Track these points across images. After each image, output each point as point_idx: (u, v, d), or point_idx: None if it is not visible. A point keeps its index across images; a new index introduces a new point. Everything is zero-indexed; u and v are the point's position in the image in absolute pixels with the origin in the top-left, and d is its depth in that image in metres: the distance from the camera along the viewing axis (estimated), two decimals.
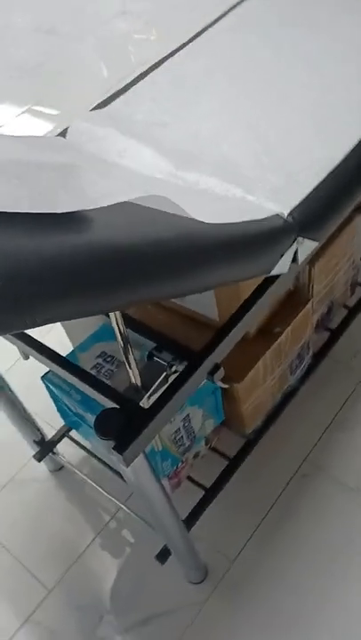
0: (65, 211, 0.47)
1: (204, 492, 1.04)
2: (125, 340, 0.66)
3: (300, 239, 0.71)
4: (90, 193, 0.51)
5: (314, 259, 1.01)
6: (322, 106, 0.88)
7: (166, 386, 0.67)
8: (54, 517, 1.20)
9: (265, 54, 1.01)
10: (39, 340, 0.75)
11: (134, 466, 0.66)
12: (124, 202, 0.52)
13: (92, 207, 0.49)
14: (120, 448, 0.62)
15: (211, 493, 1.04)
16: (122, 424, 0.63)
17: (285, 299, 1.04)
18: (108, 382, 0.74)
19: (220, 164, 0.81)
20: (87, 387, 0.69)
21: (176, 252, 0.55)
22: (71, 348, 0.99)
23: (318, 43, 1.01)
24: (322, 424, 1.21)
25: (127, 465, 0.63)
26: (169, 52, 1.10)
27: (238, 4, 1.19)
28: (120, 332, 0.65)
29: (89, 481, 1.18)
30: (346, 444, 1.18)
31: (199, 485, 1.05)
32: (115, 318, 0.64)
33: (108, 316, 0.64)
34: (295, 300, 1.05)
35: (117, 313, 0.63)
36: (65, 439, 1.20)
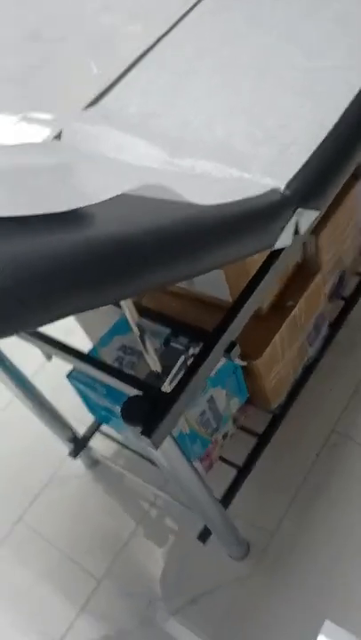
0: (64, 209, 0.49)
1: (237, 471, 1.06)
2: (141, 328, 0.68)
3: (299, 210, 0.72)
4: (86, 189, 0.52)
5: (318, 229, 1.01)
6: (307, 76, 0.88)
7: (185, 369, 0.69)
8: (96, 510, 1.23)
9: (246, 32, 1.01)
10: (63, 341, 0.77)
11: (163, 448, 0.68)
12: (121, 194, 0.54)
13: (89, 203, 0.51)
14: (147, 432, 0.64)
15: (244, 471, 1.06)
16: (147, 409, 0.65)
17: (295, 272, 1.05)
18: (131, 372, 0.76)
19: (214, 147, 0.82)
20: (108, 377, 0.71)
21: (176, 236, 0.57)
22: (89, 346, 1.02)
23: (298, 13, 1.01)
24: (346, 393, 1.22)
25: (156, 447, 0.65)
26: (159, 40, 1.11)
27: None
28: (134, 321, 0.67)
29: (125, 472, 1.21)
30: None
31: (231, 464, 1.07)
32: (127, 309, 0.66)
33: (121, 307, 0.66)
34: (305, 272, 1.05)
35: (129, 304, 0.65)
36: (97, 434, 1.23)
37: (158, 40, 1.10)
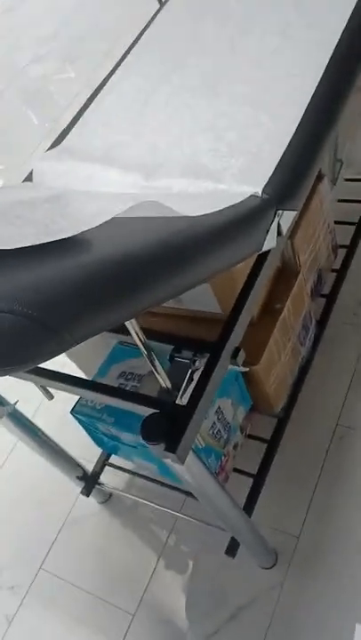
0: (68, 236, 0.50)
1: (253, 479, 1.06)
2: (148, 347, 0.69)
3: (279, 212, 0.75)
4: (84, 216, 0.54)
5: (293, 232, 1.05)
6: (258, 88, 0.92)
7: (196, 380, 0.70)
8: (116, 545, 1.21)
9: (191, 54, 1.05)
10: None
11: (187, 463, 0.69)
12: (114, 218, 0.55)
13: (89, 228, 0.53)
14: (171, 447, 0.64)
15: (259, 478, 1.06)
16: (166, 425, 0.65)
17: (277, 276, 1.08)
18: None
19: (185, 165, 0.85)
20: (123, 402, 0.72)
21: (174, 248, 0.59)
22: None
23: (235, 30, 1.06)
24: (343, 385, 1.24)
25: (182, 462, 0.66)
26: (92, 83, 1.14)
27: (151, 20, 1.24)
28: (141, 341, 0.68)
29: (140, 500, 1.19)
30: None
31: (246, 474, 1.07)
32: (133, 330, 0.67)
33: (125, 333, 0.67)
34: (286, 274, 1.08)
35: (135, 325, 0.66)
36: (106, 467, 1.22)
37: (108, 76, 1.13)
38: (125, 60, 1.15)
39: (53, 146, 1.06)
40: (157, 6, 1.34)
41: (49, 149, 1.06)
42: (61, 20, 3.06)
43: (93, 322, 0.46)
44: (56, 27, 3.02)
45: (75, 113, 1.10)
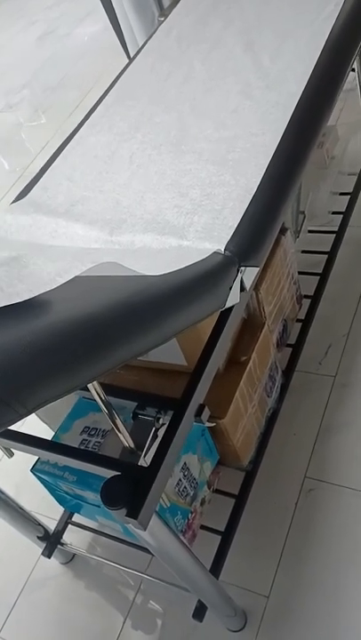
0: (25, 299, 0.49)
1: (220, 537, 1.03)
2: (109, 406, 0.68)
3: (242, 268, 0.75)
4: (43, 277, 0.53)
5: (257, 284, 1.05)
6: (220, 147, 0.94)
7: (160, 439, 0.68)
8: (80, 610, 1.15)
9: (153, 114, 1.08)
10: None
11: (151, 528, 0.66)
12: (75, 277, 0.54)
13: (48, 289, 0.52)
14: (133, 513, 0.62)
15: (227, 536, 1.03)
16: (128, 489, 0.63)
17: (243, 327, 1.08)
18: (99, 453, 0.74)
19: (148, 221, 0.85)
20: (83, 463, 0.69)
21: (134, 309, 0.58)
22: (47, 433, 0.98)
23: (198, 88, 1.09)
24: (310, 436, 1.24)
25: (144, 528, 0.63)
26: (64, 131, 1.16)
27: (119, 75, 1.27)
28: (102, 400, 0.66)
29: (104, 561, 1.15)
30: (338, 448, 1.20)
31: (214, 531, 1.04)
32: (94, 389, 0.65)
33: (87, 389, 0.65)
34: (252, 326, 1.09)
35: (95, 383, 0.65)
36: (69, 527, 1.17)
37: (76, 130, 1.14)
38: (93, 114, 1.18)
39: (20, 196, 1.06)
40: (126, 61, 1.38)
41: (15, 200, 1.05)
42: (33, 71, 3.14)
43: (48, 390, 0.45)
44: (28, 78, 3.08)
45: (44, 161, 1.11)
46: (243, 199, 0.82)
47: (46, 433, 0.95)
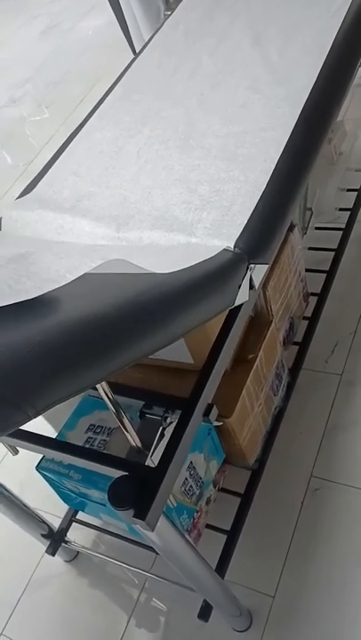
0: (31, 297, 0.48)
1: (226, 536, 1.02)
2: (116, 405, 0.67)
3: (251, 266, 0.74)
4: (51, 274, 0.52)
5: (265, 282, 1.04)
6: (229, 142, 0.93)
7: (168, 439, 0.67)
8: (84, 608, 1.15)
9: (160, 108, 1.07)
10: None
11: (158, 528, 0.65)
12: (84, 275, 0.53)
13: (56, 287, 0.51)
14: (140, 514, 0.61)
15: (233, 535, 1.02)
16: (136, 490, 0.62)
17: (249, 325, 1.07)
18: (106, 452, 0.73)
19: (156, 218, 0.84)
20: (90, 462, 0.68)
21: (143, 308, 0.57)
22: (52, 432, 0.97)
23: (209, 84, 1.08)
24: (317, 434, 1.23)
25: (152, 529, 0.62)
26: (68, 125, 1.15)
27: (125, 70, 1.26)
28: (110, 399, 0.65)
29: (108, 559, 1.14)
30: (344, 447, 1.19)
31: (220, 530, 1.03)
32: (101, 388, 0.64)
33: (94, 387, 0.64)
34: (258, 324, 1.08)
35: (103, 382, 0.64)
36: (73, 524, 1.16)
37: (82, 124, 1.13)
38: (99, 109, 1.16)
39: (25, 191, 1.04)
40: (131, 55, 1.37)
41: (20, 196, 1.04)
42: (36, 65, 3.12)
43: (58, 391, 0.44)
44: (31, 72, 3.06)
45: (48, 156, 1.09)
46: (252, 195, 0.81)
47: (51, 429, 0.95)
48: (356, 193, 1.46)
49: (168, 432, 0.70)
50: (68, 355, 0.46)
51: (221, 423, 0.93)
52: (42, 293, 0.49)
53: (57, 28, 3.42)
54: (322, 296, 1.31)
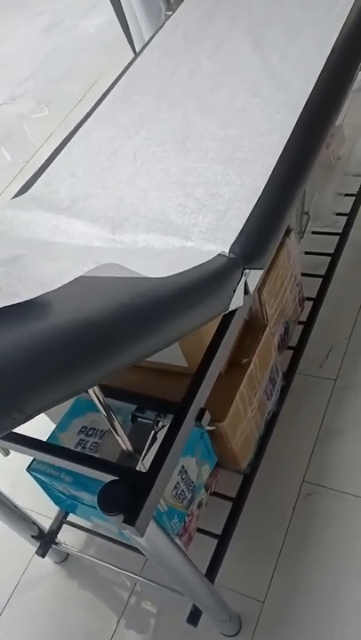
0: (22, 300, 0.48)
1: (217, 541, 1.02)
2: (107, 409, 0.66)
3: (246, 271, 0.74)
4: (43, 278, 0.52)
5: (260, 286, 1.04)
6: (226, 146, 0.93)
7: (159, 443, 0.67)
8: (73, 610, 1.14)
9: (159, 110, 1.06)
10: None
11: (148, 534, 0.65)
12: (77, 278, 0.53)
13: (48, 290, 0.50)
14: (130, 520, 0.61)
15: (223, 540, 1.02)
16: (126, 495, 0.62)
17: (244, 329, 1.06)
18: (97, 455, 0.73)
19: (152, 220, 0.83)
20: (80, 466, 0.68)
21: (137, 312, 0.56)
22: (47, 427, 0.97)
23: (208, 86, 1.07)
24: (310, 439, 1.22)
25: (142, 535, 0.62)
26: (67, 123, 1.15)
27: (125, 69, 1.25)
28: (101, 402, 0.65)
29: (98, 562, 1.13)
30: (337, 452, 1.19)
31: (211, 534, 1.03)
32: (92, 391, 0.64)
33: (86, 390, 0.64)
34: (253, 328, 1.07)
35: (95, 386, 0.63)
36: (64, 526, 1.16)
37: (80, 123, 1.13)
38: (97, 109, 1.16)
39: (21, 191, 1.04)
40: (132, 54, 1.36)
41: (16, 195, 1.04)
42: (37, 62, 3.11)
43: (47, 396, 0.43)
44: (32, 69, 3.05)
45: (47, 154, 1.09)
46: (248, 200, 0.81)
47: (46, 427, 0.94)
48: (353, 198, 1.46)
49: (160, 436, 0.70)
50: (60, 359, 0.46)
51: (214, 428, 0.93)
52: (33, 297, 0.48)
53: (59, 26, 3.41)
54: (317, 301, 1.30)
